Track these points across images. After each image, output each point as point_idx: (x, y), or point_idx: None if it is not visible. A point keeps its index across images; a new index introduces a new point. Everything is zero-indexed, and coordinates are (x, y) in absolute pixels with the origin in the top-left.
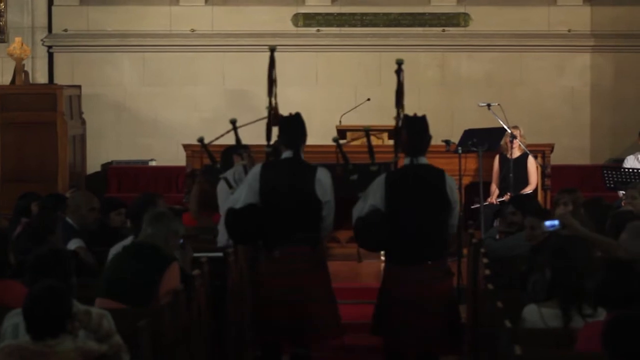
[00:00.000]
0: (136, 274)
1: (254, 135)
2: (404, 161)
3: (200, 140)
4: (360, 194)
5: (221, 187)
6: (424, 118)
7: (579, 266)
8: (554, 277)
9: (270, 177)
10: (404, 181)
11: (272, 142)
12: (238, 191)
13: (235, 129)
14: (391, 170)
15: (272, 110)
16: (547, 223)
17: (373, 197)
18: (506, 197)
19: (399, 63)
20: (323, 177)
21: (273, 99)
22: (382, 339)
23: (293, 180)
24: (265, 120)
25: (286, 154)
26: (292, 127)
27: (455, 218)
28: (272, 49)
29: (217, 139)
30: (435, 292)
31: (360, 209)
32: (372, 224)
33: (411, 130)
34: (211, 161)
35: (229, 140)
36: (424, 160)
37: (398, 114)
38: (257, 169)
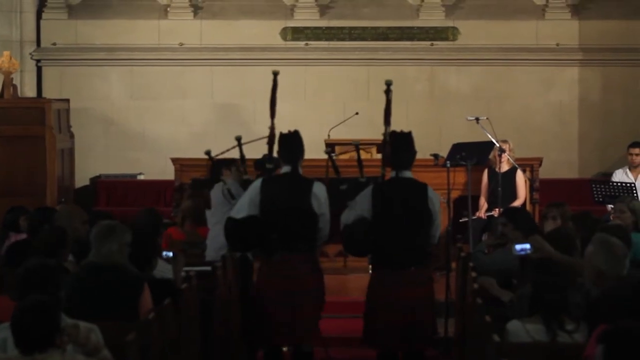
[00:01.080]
0: (113, 299)
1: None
2: (390, 174)
3: (208, 152)
4: (349, 202)
5: (215, 194)
6: (409, 134)
7: (561, 282)
8: (536, 292)
9: (269, 190)
10: (389, 193)
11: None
12: (239, 203)
13: (240, 145)
14: (378, 182)
15: (273, 130)
16: (518, 247)
17: (360, 206)
18: (495, 212)
19: (388, 84)
20: (319, 191)
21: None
22: (373, 344)
23: (291, 193)
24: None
25: (285, 168)
26: (290, 143)
27: (437, 229)
28: (275, 73)
29: (222, 153)
30: (417, 294)
31: (347, 217)
32: (359, 231)
33: (397, 146)
34: (212, 174)
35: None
36: (408, 174)
37: (386, 130)
38: (257, 183)
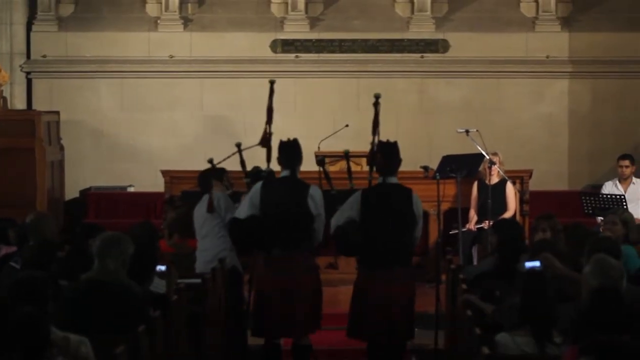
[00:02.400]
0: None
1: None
2: (377, 180)
3: (210, 161)
4: (339, 206)
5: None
6: (395, 143)
7: (551, 293)
8: (526, 303)
9: (269, 193)
10: (377, 197)
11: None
12: (241, 205)
13: (240, 151)
14: (366, 188)
15: (269, 136)
16: (527, 264)
17: (350, 209)
18: (485, 224)
19: (377, 97)
20: (315, 194)
21: (269, 127)
22: (359, 336)
23: (289, 196)
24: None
25: (284, 173)
26: (289, 150)
27: (419, 231)
28: (272, 82)
29: (223, 160)
30: (401, 289)
31: (338, 219)
32: (349, 232)
33: (384, 154)
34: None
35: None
36: (394, 179)
37: (373, 140)
38: (257, 186)
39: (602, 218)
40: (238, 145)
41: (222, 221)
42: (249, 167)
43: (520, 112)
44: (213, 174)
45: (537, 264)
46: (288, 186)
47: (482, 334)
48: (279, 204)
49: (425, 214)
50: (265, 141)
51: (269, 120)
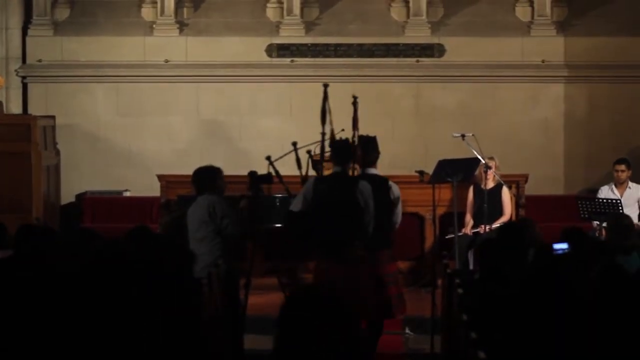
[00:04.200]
0: None
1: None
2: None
3: (268, 158)
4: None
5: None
6: (374, 138)
7: None
8: None
9: (321, 188)
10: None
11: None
12: (295, 199)
13: (296, 150)
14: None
15: (325, 135)
16: (556, 246)
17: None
18: (480, 228)
19: (355, 97)
20: (364, 188)
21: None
22: None
23: (340, 190)
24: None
25: (336, 169)
26: (341, 149)
27: (397, 215)
28: (326, 85)
29: (279, 158)
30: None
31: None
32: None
33: (364, 147)
34: (279, 179)
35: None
36: (374, 170)
37: (354, 135)
38: (310, 181)
39: (597, 222)
40: (294, 144)
41: (217, 227)
42: (245, 172)
43: (516, 116)
44: (209, 175)
45: (564, 245)
46: (339, 181)
47: (478, 339)
48: (330, 197)
49: (421, 219)
50: (323, 141)
51: (323, 122)
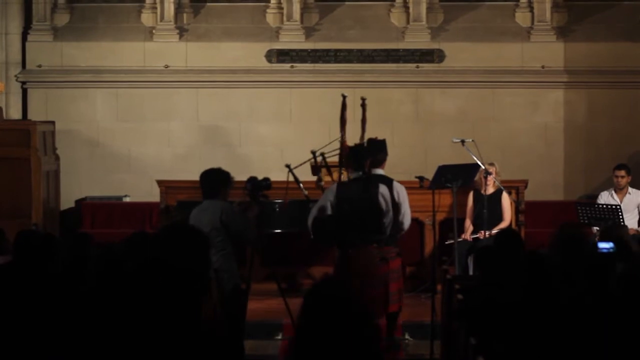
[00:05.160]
0: None
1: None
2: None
3: (313, 152)
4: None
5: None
6: (384, 141)
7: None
8: None
9: (343, 191)
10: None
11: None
12: (316, 206)
13: (314, 158)
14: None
15: (343, 143)
16: (601, 245)
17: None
18: (480, 234)
19: (344, 96)
20: (384, 191)
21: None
22: None
23: (361, 193)
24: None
25: (354, 174)
26: (359, 154)
27: (404, 216)
28: (344, 96)
29: (300, 165)
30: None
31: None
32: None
33: (373, 148)
34: (297, 184)
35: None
36: (380, 171)
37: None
38: (333, 186)
39: (597, 228)
40: (313, 152)
41: (226, 236)
42: (244, 177)
43: (516, 122)
44: (221, 178)
45: (610, 245)
46: (360, 184)
47: (477, 344)
48: (352, 200)
49: (421, 224)
50: (342, 148)
51: (343, 129)
